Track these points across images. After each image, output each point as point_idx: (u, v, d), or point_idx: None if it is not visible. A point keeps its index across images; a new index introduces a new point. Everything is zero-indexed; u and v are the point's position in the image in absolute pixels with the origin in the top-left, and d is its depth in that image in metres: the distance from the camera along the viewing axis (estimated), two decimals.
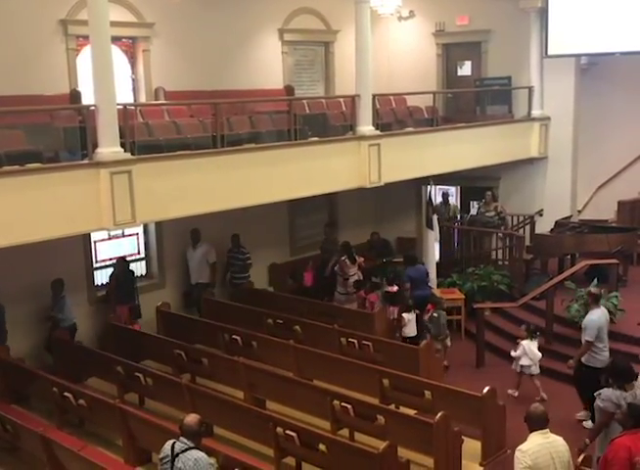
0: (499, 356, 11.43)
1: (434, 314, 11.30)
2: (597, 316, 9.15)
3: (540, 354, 10.07)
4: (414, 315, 11.33)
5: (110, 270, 12.40)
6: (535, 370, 10.05)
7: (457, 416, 8.13)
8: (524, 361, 10.03)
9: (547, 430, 6.05)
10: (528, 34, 14.63)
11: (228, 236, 13.07)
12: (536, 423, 6.04)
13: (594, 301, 9.32)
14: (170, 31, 12.52)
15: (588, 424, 8.91)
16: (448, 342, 11.36)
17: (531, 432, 6.04)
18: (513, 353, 10.20)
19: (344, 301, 12.94)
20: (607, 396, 7.09)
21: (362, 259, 13.27)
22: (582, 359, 9.16)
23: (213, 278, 12.95)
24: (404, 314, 11.31)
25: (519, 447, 5.99)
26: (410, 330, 11.31)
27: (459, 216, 15.65)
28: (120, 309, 11.72)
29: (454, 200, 16.71)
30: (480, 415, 8.38)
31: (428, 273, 12.73)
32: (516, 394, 10.12)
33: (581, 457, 6.46)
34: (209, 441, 7.56)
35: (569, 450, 6.09)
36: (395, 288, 12.25)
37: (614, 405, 6.97)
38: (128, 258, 12.33)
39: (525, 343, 10.05)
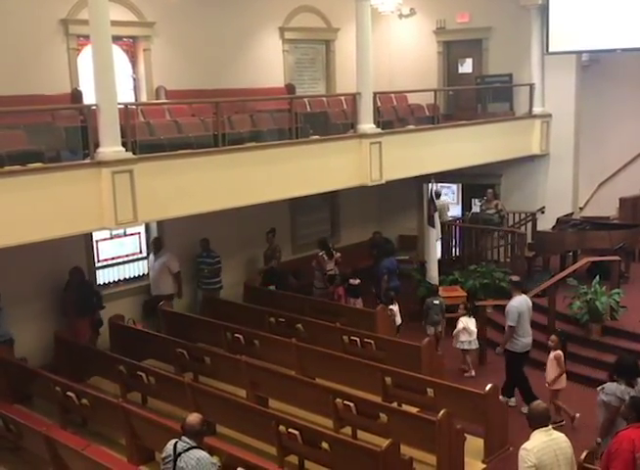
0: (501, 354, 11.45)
1: (435, 302, 11.67)
2: (518, 303, 9.62)
3: (476, 330, 10.82)
4: (397, 306, 11.79)
5: (112, 271, 12.46)
6: (472, 345, 10.77)
7: (460, 414, 8.15)
8: (462, 337, 10.76)
9: (550, 427, 6.05)
10: (529, 31, 14.62)
11: (230, 237, 13.07)
12: (539, 421, 6.04)
13: (515, 288, 9.89)
14: (171, 31, 12.52)
15: (512, 402, 9.62)
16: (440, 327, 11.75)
17: (534, 430, 6.04)
18: (460, 326, 10.90)
19: (321, 295, 13.11)
20: (611, 390, 7.09)
21: (339, 255, 13.47)
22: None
23: (179, 288, 12.35)
24: (392, 306, 11.67)
25: (523, 446, 5.98)
26: (398, 320, 11.73)
27: (448, 215, 15.70)
28: (81, 323, 11.13)
29: (448, 197, 16.74)
30: (482, 413, 8.38)
31: (398, 265, 13.26)
32: (471, 371, 10.88)
33: (584, 454, 6.46)
34: (212, 439, 7.55)
35: (571, 447, 6.09)
36: (357, 281, 12.69)
37: (618, 400, 6.97)
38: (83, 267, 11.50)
39: (463, 319, 10.81)
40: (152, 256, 12.41)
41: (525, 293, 10.02)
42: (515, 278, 10.32)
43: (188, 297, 12.97)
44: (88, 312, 11.25)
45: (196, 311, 12.68)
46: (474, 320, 10.92)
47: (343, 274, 13.07)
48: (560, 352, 9.08)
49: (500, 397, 9.35)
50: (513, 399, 9.68)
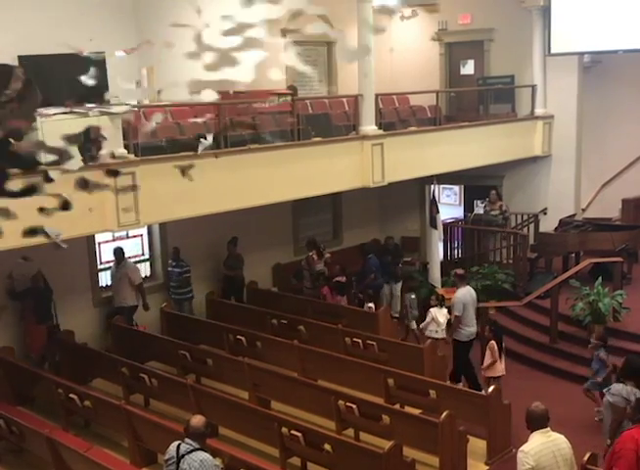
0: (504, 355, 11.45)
1: (412, 296, 12.07)
2: (462, 294, 10.22)
3: (444, 321, 10.94)
4: (373, 304, 12.21)
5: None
6: (439, 335, 10.85)
7: (462, 415, 8.15)
8: (431, 327, 10.91)
9: (548, 428, 6.00)
10: (531, 33, 14.61)
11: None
12: (537, 423, 5.99)
13: (460, 280, 10.47)
14: None
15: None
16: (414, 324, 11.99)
17: (532, 432, 6.01)
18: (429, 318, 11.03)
19: (310, 295, 13.12)
20: (617, 390, 7.08)
21: (329, 256, 13.51)
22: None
23: (144, 299, 11.89)
24: (369, 304, 12.09)
25: (521, 448, 5.95)
26: None
27: None
28: (38, 329, 10.79)
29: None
30: (485, 414, 8.37)
31: (383, 265, 13.53)
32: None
33: (587, 456, 6.44)
34: (215, 441, 7.56)
35: (571, 448, 6.06)
36: (344, 278, 12.81)
37: (624, 400, 6.97)
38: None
39: (433, 310, 10.95)
40: (113, 266, 12.02)
41: (468, 284, 10.59)
42: (459, 271, 10.71)
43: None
44: (44, 319, 10.86)
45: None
46: (444, 311, 11.04)
47: (331, 272, 13.08)
48: (493, 341, 9.52)
49: (447, 382, 9.71)
50: (460, 385, 9.96)
